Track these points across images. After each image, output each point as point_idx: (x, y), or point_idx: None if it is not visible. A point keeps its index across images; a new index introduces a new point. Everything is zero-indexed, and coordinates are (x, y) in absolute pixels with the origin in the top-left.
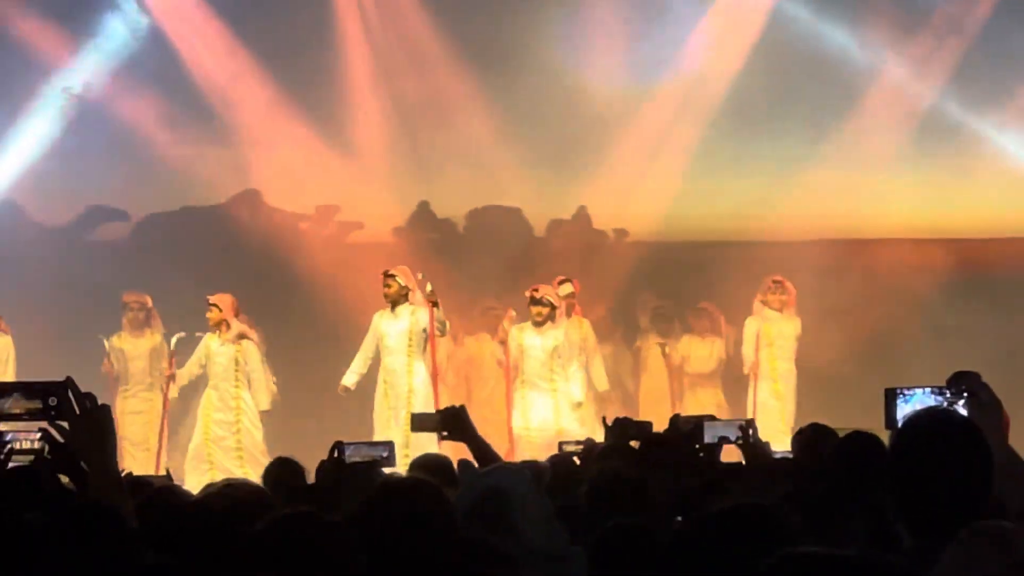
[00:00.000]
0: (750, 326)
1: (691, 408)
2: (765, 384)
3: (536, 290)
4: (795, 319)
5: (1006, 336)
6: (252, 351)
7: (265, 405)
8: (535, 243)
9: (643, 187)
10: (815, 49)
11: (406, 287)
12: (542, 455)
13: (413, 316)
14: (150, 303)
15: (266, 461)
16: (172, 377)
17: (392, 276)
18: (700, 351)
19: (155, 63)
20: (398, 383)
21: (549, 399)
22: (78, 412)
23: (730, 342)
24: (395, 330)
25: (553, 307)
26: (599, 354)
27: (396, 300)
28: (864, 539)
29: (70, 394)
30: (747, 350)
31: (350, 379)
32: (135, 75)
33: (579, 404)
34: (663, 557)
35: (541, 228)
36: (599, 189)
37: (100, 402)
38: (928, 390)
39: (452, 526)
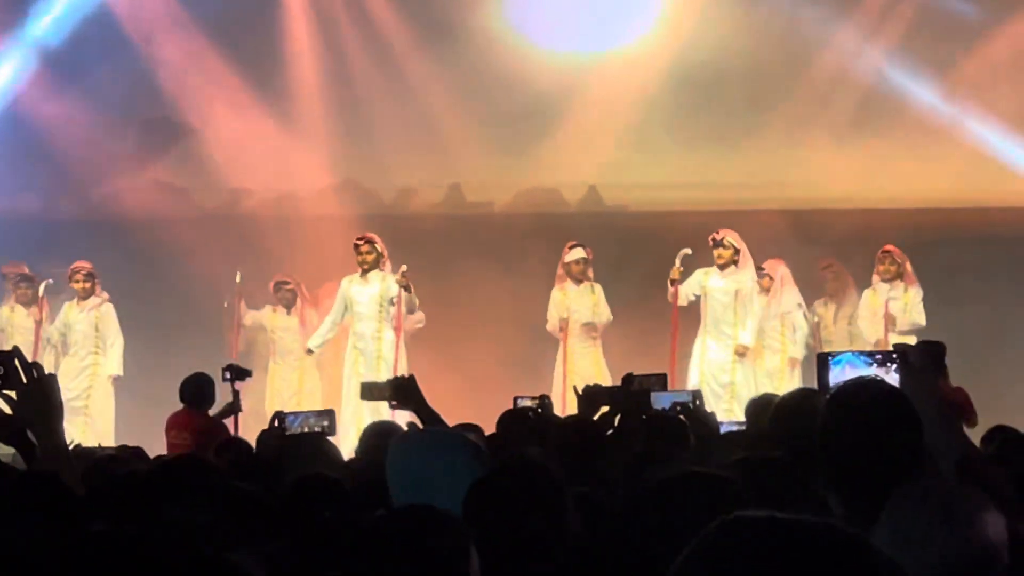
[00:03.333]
0: (864, 298)
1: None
2: None
3: (718, 232)
4: (909, 290)
5: (955, 303)
6: (111, 315)
7: (117, 369)
8: (477, 216)
9: (587, 157)
10: (760, 20)
11: (382, 253)
12: (719, 407)
13: (384, 282)
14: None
15: (111, 428)
16: (40, 323)
17: (370, 242)
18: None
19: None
20: (368, 348)
21: (729, 345)
22: (25, 382)
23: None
24: (366, 296)
25: (736, 250)
26: (608, 316)
27: (373, 266)
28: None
29: (17, 364)
30: (862, 323)
31: (315, 342)
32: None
33: (745, 349)
34: (611, 525)
35: (482, 199)
36: (544, 159)
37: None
38: (857, 354)
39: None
